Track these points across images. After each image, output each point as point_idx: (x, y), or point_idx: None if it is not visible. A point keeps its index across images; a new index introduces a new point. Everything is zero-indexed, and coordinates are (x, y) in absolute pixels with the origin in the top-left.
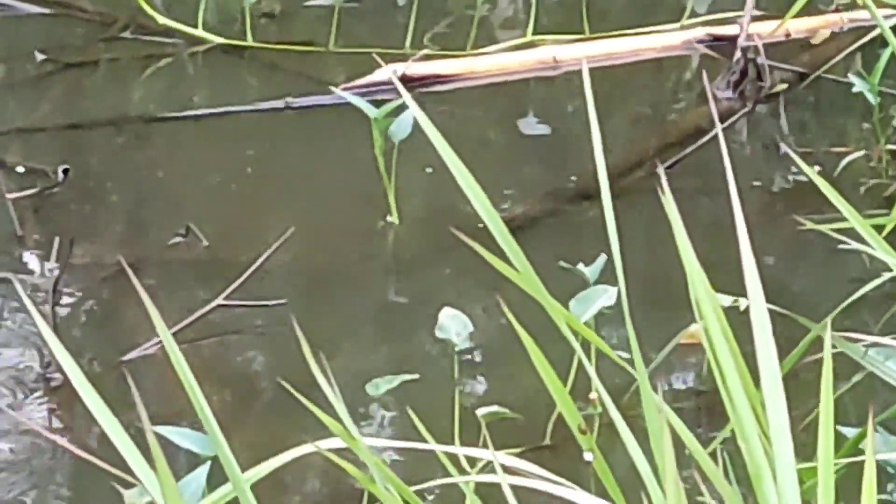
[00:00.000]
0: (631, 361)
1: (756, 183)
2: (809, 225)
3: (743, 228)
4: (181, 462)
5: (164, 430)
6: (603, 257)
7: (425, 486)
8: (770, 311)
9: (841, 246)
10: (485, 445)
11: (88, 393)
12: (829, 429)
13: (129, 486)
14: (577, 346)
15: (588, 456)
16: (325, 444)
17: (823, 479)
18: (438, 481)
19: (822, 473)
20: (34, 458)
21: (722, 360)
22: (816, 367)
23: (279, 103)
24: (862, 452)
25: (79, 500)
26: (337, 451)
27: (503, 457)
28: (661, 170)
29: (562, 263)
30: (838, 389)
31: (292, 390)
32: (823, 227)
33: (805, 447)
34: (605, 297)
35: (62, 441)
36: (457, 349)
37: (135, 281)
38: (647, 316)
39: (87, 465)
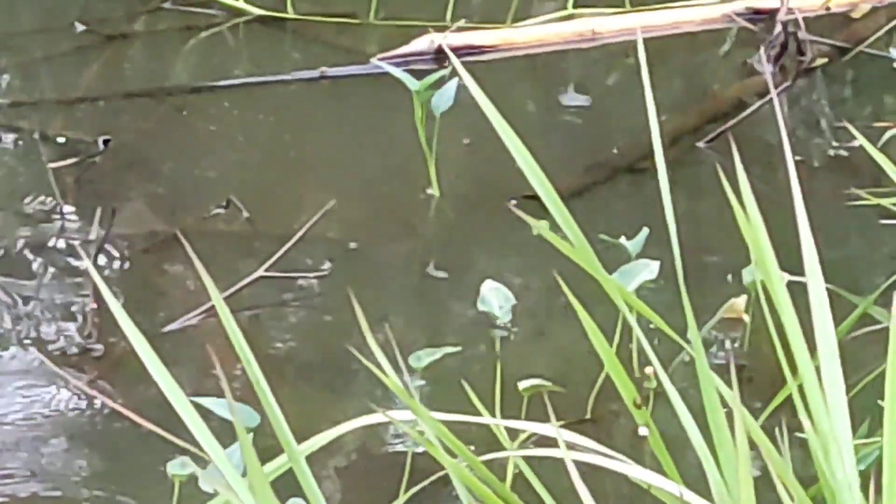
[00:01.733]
0: (672, 335)
1: (797, 157)
2: (871, 200)
3: (801, 204)
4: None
5: (206, 402)
6: (645, 231)
7: (489, 457)
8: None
9: (882, 220)
10: (529, 418)
11: (150, 357)
12: (894, 403)
13: (183, 453)
14: (631, 319)
15: (643, 430)
16: (371, 418)
17: (889, 453)
18: (496, 454)
19: (887, 448)
20: (76, 429)
21: (790, 333)
22: (853, 344)
23: (314, 73)
24: None
25: (121, 469)
26: (373, 426)
27: (554, 430)
28: (710, 142)
29: (602, 236)
30: (881, 365)
31: (358, 354)
32: (882, 201)
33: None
34: (647, 270)
35: (114, 405)
36: (498, 322)
37: (189, 249)
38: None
39: (128, 435)
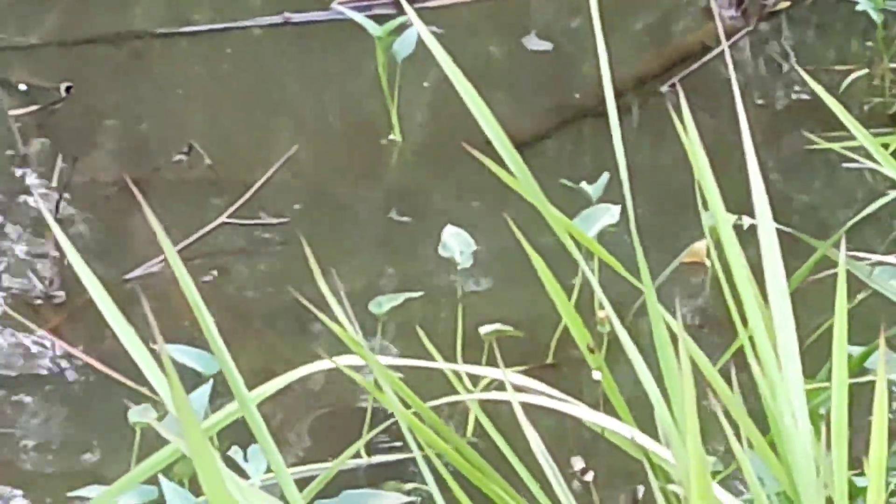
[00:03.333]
0: (628, 277)
1: (759, 101)
2: (822, 144)
3: (750, 146)
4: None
5: (167, 348)
6: (606, 175)
7: (437, 402)
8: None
9: (845, 164)
10: (490, 363)
11: (107, 305)
12: (843, 346)
13: (138, 401)
14: (583, 264)
15: (597, 375)
16: (319, 365)
17: (837, 398)
18: (448, 398)
19: (835, 391)
20: (37, 376)
21: (737, 276)
22: (819, 287)
23: (278, 19)
24: (865, 372)
25: (83, 416)
26: (334, 371)
27: (512, 375)
28: (673, 87)
29: (564, 181)
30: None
31: (308, 304)
32: (833, 146)
33: (809, 366)
34: (608, 214)
35: (74, 351)
36: (460, 267)
37: (141, 199)
38: (647, 234)
39: (90, 382)
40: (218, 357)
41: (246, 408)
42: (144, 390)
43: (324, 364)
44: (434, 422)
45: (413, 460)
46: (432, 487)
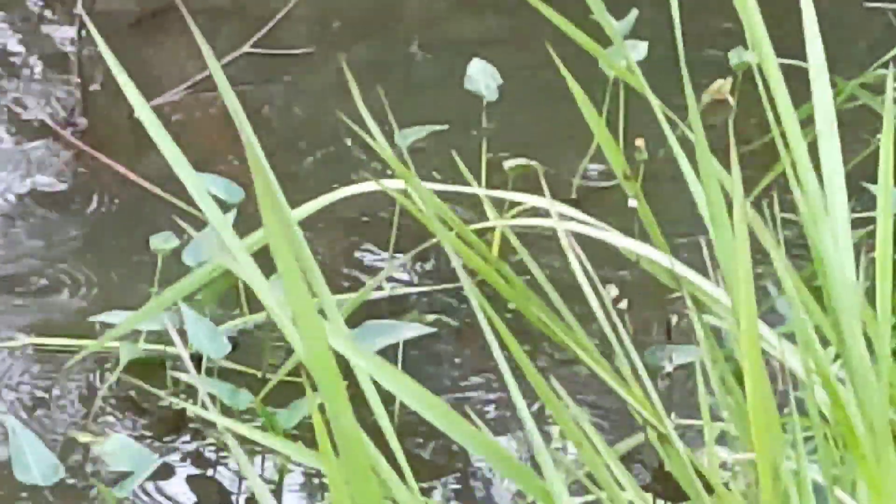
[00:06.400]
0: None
1: None
2: None
3: None
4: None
5: (187, 174)
6: (635, 12)
7: (479, 226)
8: (799, 68)
9: (867, 4)
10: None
11: (153, 124)
12: (888, 176)
13: (174, 224)
14: (630, 77)
15: (632, 202)
16: (364, 186)
17: (882, 229)
18: (483, 224)
19: (881, 220)
20: (56, 203)
21: (780, 103)
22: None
23: None
24: None
25: (103, 245)
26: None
27: (545, 203)
28: None
29: (593, 17)
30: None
31: (351, 124)
32: None
33: None
34: (636, 51)
35: (117, 166)
36: (486, 101)
37: (188, 16)
38: (669, 77)
39: (110, 211)
40: (257, 174)
41: (288, 225)
42: (188, 208)
43: (368, 185)
44: (478, 245)
45: (440, 291)
46: (478, 313)
